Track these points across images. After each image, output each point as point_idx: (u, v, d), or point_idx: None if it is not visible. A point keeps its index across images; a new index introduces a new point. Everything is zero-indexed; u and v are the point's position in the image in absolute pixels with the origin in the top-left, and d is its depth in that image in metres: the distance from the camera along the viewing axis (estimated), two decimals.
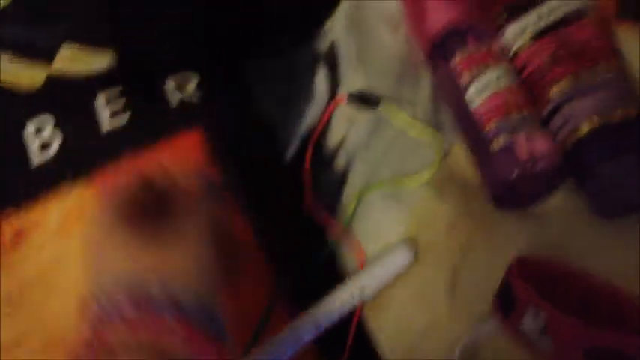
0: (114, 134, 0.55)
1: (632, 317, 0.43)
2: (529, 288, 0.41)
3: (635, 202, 0.48)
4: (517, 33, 0.52)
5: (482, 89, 0.50)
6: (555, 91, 0.50)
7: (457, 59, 0.51)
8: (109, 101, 0.56)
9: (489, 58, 0.50)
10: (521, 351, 0.42)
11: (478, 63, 0.50)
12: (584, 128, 0.48)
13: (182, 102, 0.56)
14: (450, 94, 0.52)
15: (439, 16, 0.52)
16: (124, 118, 0.56)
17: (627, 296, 0.44)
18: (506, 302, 0.43)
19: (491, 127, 0.49)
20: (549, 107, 0.50)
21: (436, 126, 0.54)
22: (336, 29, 0.57)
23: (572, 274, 0.45)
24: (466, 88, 0.50)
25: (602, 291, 0.45)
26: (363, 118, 0.55)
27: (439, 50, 0.52)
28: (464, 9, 0.52)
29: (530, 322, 0.41)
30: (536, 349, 0.41)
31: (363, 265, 0.50)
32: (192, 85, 0.57)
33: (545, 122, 0.50)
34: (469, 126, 0.50)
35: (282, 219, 0.51)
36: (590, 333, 0.39)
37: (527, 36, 0.52)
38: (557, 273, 0.45)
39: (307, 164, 0.53)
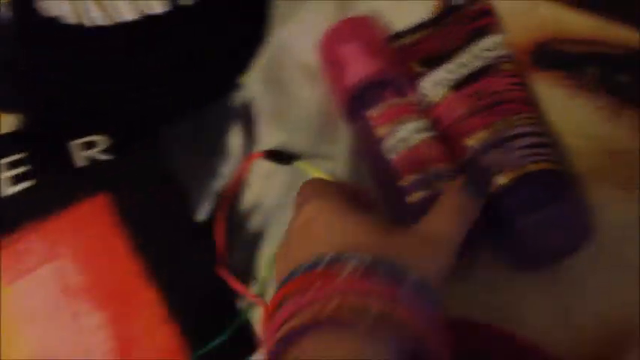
0: (18, 200, 0.52)
1: None
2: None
3: (557, 252, 0.47)
4: (434, 85, 0.51)
5: (399, 142, 0.48)
6: (472, 142, 0.48)
7: (375, 112, 0.49)
8: (13, 166, 0.53)
9: (407, 111, 0.49)
10: None
11: (396, 116, 0.49)
12: (502, 180, 0.47)
13: (91, 166, 0.53)
14: (367, 147, 0.50)
15: (357, 69, 0.51)
16: (28, 184, 0.53)
17: (554, 357, 0.42)
18: None
19: (407, 180, 0.47)
20: (467, 159, 0.48)
21: (356, 181, 0.52)
22: (252, 84, 0.55)
23: (496, 334, 0.43)
24: (383, 141, 0.48)
25: (528, 353, 0.43)
26: (280, 175, 0.52)
27: (357, 103, 0.50)
28: (382, 62, 0.51)
29: None
30: None
31: None
32: (101, 149, 0.54)
33: (462, 174, 0.48)
34: (385, 180, 0.48)
35: (194, 285, 0.48)
36: None
37: (444, 88, 0.51)
38: (481, 334, 0.43)
39: (220, 226, 0.50)
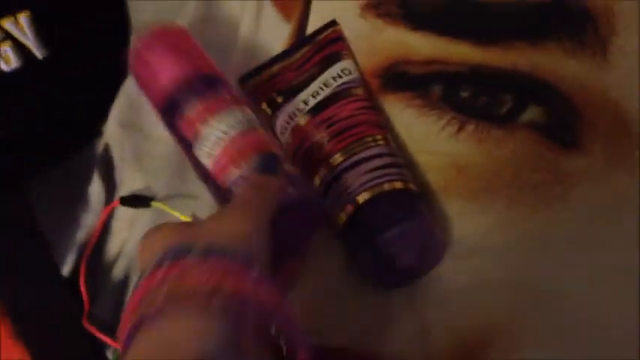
0: None
1: None
2: None
3: (414, 269, 0.49)
4: (291, 114, 0.52)
5: (214, 144, 0.47)
6: (328, 167, 0.50)
7: (187, 115, 0.48)
8: None
9: (221, 105, 0.48)
10: None
11: (208, 114, 0.47)
12: (357, 201, 0.48)
13: None
14: (187, 153, 0.49)
15: (166, 71, 0.49)
16: None
17: None
18: None
19: (228, 180, 0.47)
20: (324, 183, 0.50)
21: None
22: (109, 131, 0.55)
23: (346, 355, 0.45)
24: (198, 143, 0.47)
25: None
26: (144, 220, 0.53)
27: (172, 108, 0.49)
28: (189, 62, 0.50)
29: None
30: None
31: None
32: None
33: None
34: (213, 188, 0.48)
35: (62, 341, 0.49)
36: None
37: (299, 116, 0.52)
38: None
39: (82, 279, 0.50)
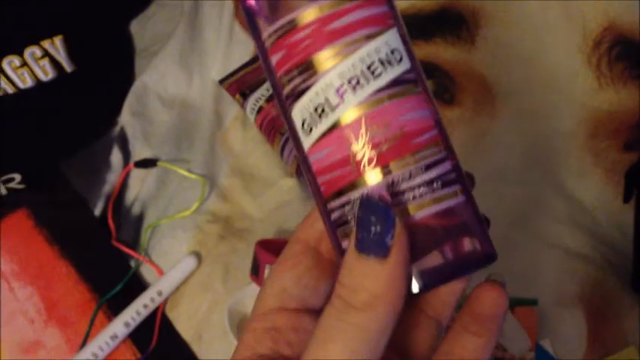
0: None
1: None
2: (263, 251, 0.59)
3: None
4: (254, 103, 0.73)
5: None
6: (282, 134, 0.70)
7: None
8: None
9: None
10: None
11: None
12: None
13: (9, 193, 0.73)
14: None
15: None
16: None
17: None
18: (254, 268, 0.61)
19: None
20: (281, 143, 0.70)
21: (208, 173, 0.72)
22: (124, 117, 0.76)
23: None
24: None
25: None
26: (152, 176, 0.73)
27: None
28: None
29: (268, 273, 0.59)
30: None
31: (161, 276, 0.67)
32: (17, 181, 0.73)
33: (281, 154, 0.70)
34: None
35: (97, 256, 0.68)
36: None
37: (262, 100, 0.73)
38: None
39: (110, 216, 0.70)
